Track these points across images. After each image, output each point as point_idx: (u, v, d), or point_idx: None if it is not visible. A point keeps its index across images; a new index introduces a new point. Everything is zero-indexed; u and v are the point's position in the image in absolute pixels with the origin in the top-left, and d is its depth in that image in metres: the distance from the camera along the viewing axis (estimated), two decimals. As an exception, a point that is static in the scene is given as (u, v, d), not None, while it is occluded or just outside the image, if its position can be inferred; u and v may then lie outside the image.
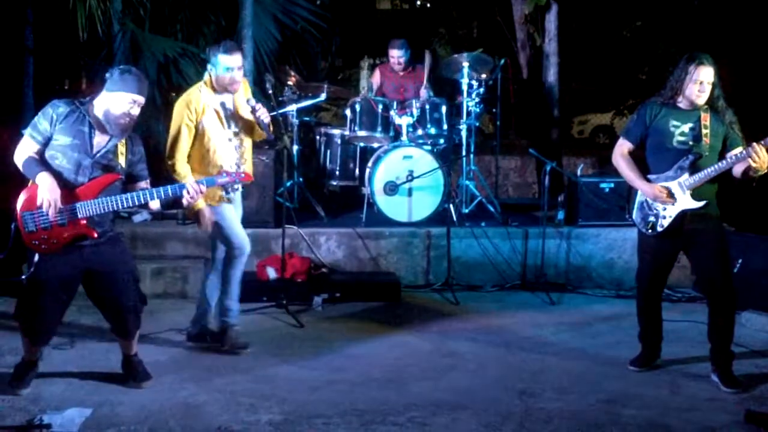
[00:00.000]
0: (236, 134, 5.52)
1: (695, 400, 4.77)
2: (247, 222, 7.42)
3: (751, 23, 10.83)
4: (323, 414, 4.50)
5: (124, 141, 4.67)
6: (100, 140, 4.60)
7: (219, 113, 5.39)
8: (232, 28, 9.31)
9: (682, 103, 5.01)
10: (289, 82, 8.50)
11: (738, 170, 4.89)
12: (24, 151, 4.54)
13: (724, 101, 4.98)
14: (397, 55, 8.81)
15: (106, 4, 8.72)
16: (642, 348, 5.34)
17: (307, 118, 9.20)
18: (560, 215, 8.02)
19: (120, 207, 4.60)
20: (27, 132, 4.56)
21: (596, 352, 5.67)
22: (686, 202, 4.95)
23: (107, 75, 4.61)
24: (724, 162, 4.87)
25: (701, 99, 4.92)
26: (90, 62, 9.53)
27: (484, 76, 8.44)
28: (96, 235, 4.58)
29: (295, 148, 8.24)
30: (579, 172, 8.00)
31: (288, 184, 8.27)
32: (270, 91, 7.00)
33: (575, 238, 7.66)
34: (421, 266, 7.60)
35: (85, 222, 4.54)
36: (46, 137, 4.53)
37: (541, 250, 7.47)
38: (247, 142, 5.61)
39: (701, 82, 4.88)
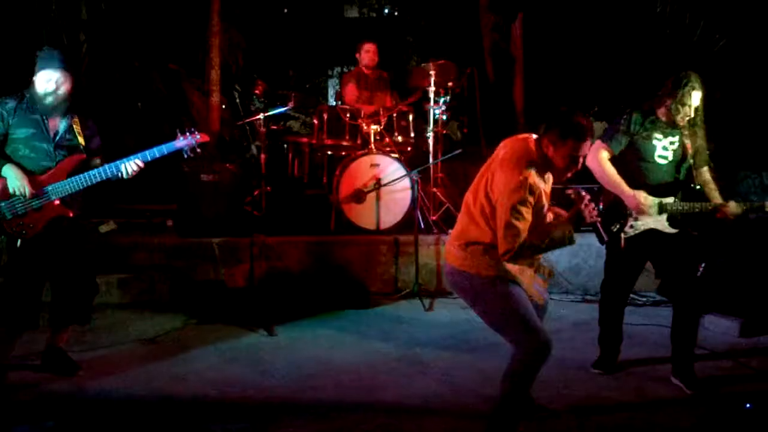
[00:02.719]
0: None
1: (660, 402, 4.84)
2: (214, 231, 7.46)
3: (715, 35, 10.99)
4: (293, 422, 4.50)
5: (77, 120, 4.84)
6: (53, 124, 4.78)
7: None
8: (200, 38, 9.30)
9: (665, 117, 5.03)
10: (257, 91, 8.51)
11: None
12: None
13: (702, 119, 5.05)
14: (372, 48, 8.80)
15: (71, 13, 8.69)
16: (601, 351, 5.41)
17: (274, 127, 9.20)
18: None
19: (89, 183, 4.77)
20: None
21: (563, 356, 5.70)
22: (660, 224, 5.01)
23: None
24: (701, 206, 4.95)
25: (685, 121, 4.96)
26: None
27: (450, 84, 8.49)
28: (72, 215, 4.78)
29: (263, 156, 8.23)
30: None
31: (255, 192, 8.28)
32: (237, 100, 7.01)
33: (542, 244, 7.70)
34: (390, 273, 7.63)
35: (58, 203, 4.73)
36: (1, 134, 4.70)
37: (508, 256, 7.50)
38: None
39: (690, 106, 4.92)
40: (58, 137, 4.77)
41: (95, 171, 4.76)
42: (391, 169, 7.75)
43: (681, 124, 4.98)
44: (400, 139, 8.26)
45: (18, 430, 4.26)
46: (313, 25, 13.85)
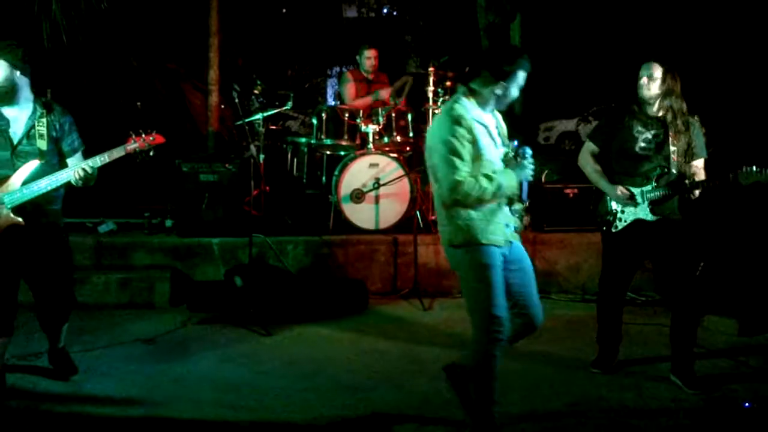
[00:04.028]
0: None
1: (659, 401, 4.84)
2: (213, 231, 7.47)
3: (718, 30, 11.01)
4: (292, 421, 4.51)
5: (44, 122, 4.70)
6: (14, 130, 4.67)
7: None
8: (199, 37, 9.31)
9: (646, 110, 5.10)
10: (255, 91, 8.51)
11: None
12: None
13: (685, 109, 5.07)
14: (374, 55, 8.83)
15: (71, 12, 8.69)
16: (600, 349, 5.41)
17: (273, 127, 9.21)
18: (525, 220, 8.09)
19: (43, 191, 4.62)
20: None
21: (561, 356, 5.73)
22: (642, 212, 5.05)
23: None
24: (676, 186, 4.98)
25: (645, 92, 5.03)
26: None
27: (449, 84, 8.49)
28: (23, 222, 4.63)
29: (262, 156, 8.24)
30: (543, 179, 8.08)
31: (254, 192, 8.28)
32: (236, 100, 7.00)
33: (540, 243, 7.73)
34: (389, 273, 7.63)
35: (12, 212, 4.60)
36: None
37: (507, 255, 7.52)
38: None
39: (643, 77, 5.02)
40: (18, 144, 4.66)
41: (46, 179, 4.62)
42: (389, 168, 7.75)
43: (643, 96, 5.04)
44: (398, 138, 8.27)
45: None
46: (312, 25, 13.87)
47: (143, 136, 4.76)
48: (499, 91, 4.07)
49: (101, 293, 6.99)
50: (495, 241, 4.05)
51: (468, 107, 4.05)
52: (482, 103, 4.11)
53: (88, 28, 9.20)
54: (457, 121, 3.95)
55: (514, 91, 4.11)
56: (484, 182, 3.92)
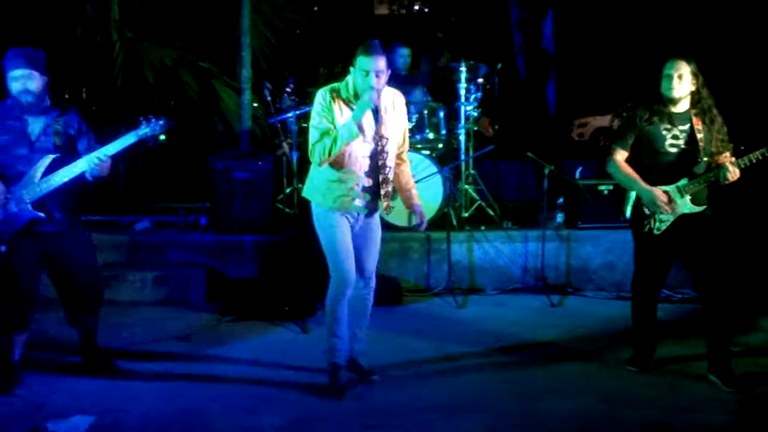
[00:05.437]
0: None
1: (695, 400, 4.79)
2: (247, 229, 7.51)
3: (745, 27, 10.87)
4: (326, 418, 4.53)
5: (61, 121, 4.83)
6: (33, 128, 4.79)
7: None
8: (230, 36, 9.34)
9: (671, 107, 5.04)
10: (288, 89, 8.53)
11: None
12: None
13: (713, 103, 5.04)
14: (405, 54, 8.84)
15: (104, 13, 8.77)
16: (635, 348, 5.36)
17: (305, 125, 9.23)
18: (560, 218, 8.05)
19: (57, 184, 4.73)
20: None
21: (597, 353, 5.69)
22: (685, 206, 4.99)
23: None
24: (713, 173, 4.94)
25: (673, 92, 4.97)
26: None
27: (481, 80, 8.47)
28: (45, 216, 4.75)
29: (294, 154, 8.26)
30: (578, 175, 8.03)
31: (288, 190, 8.32)
32: (268, 98, 7.02)
33: (575, 241, 7.68)
34: (422, 270, 7.62)
35: (34, 206, 4.72)
36: None
37: (541, 252, 7.49)
38: None
39: (670, 76, 4.95)
40: (37, 142, 4.78)
41: (60, 171, 4.72)
42: (422, 166, 7.73)
43: (670, 96, 4.97)
44: (431, 135, 8.25)
45: (55, 427, 4.31)
46: (344, 23, 13.88)
47: (153, 119, 4.82)
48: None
49: (137, 291, 7.07)
50: None
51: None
52: None
53: (120, 29, 9.29)
54: None
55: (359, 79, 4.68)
56: None
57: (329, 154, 4.64)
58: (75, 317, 5.12)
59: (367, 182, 4.81)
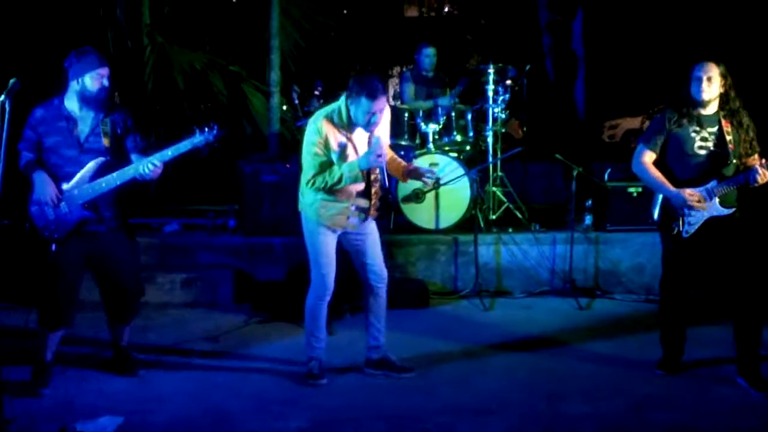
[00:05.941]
0: None
1: (725, 403, 4.75)
2: (276, 231, 7.54)
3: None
4: (352, 419, 4.54)
5: (108, 121, 4.90)
6: (81, 128, 4.86)
7: None
8: (260, 39, 9.40)
9: (700, 109, 5.00)
10: (316, 92, 8.57)
11: None
12: (22, 159, 4.90)
13: (742, 105, 5.00)
14: (431, 53, 8.86)
15: (135, 18, 8.86)
16: (664, 351, 5.32)
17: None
18: (588, 220, 8.00)
19: (111, 186, 4.81)
20: (19, 145, 4.87)
21: (625, 356, 5.65)
22: (715, 208, 4.95)
23: (67, 65, 4.85)
24: (742, 176, 4.90)
25: (702, 95, 4.93)
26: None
27: (509, 82, 8.44)
28: (95, 216, 4.85)
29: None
30: (606, 177, 7.97)
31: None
32: (296, 102, 7.05)
33: (603, 243, 7.62)
34: (449, 273, 7.61)
35: (84, 206, 4.82)
36: (33, 143, 4.87)
37: (569, 255, 7.45)
38: None
39: (699, 78, 4.92)
40: (86, 144, 4.85)
41: (114, 174, 4.79)
42: (450, 168, 7.73)
43: (701, 99, 4.93)
44: (459, 138, 8.24)
45: (83, 427, 4.35)
46: (373, 25, 13.89)
47: (206, 129, 4.88)
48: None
49: (166, 292, 7.13)
50: None
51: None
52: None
53: (151, 33, 9.38)
54: None
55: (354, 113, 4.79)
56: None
57: (329, 189, 4.84)
58: (116, 317, 5.20)
59: (362, 203, 5.01)
